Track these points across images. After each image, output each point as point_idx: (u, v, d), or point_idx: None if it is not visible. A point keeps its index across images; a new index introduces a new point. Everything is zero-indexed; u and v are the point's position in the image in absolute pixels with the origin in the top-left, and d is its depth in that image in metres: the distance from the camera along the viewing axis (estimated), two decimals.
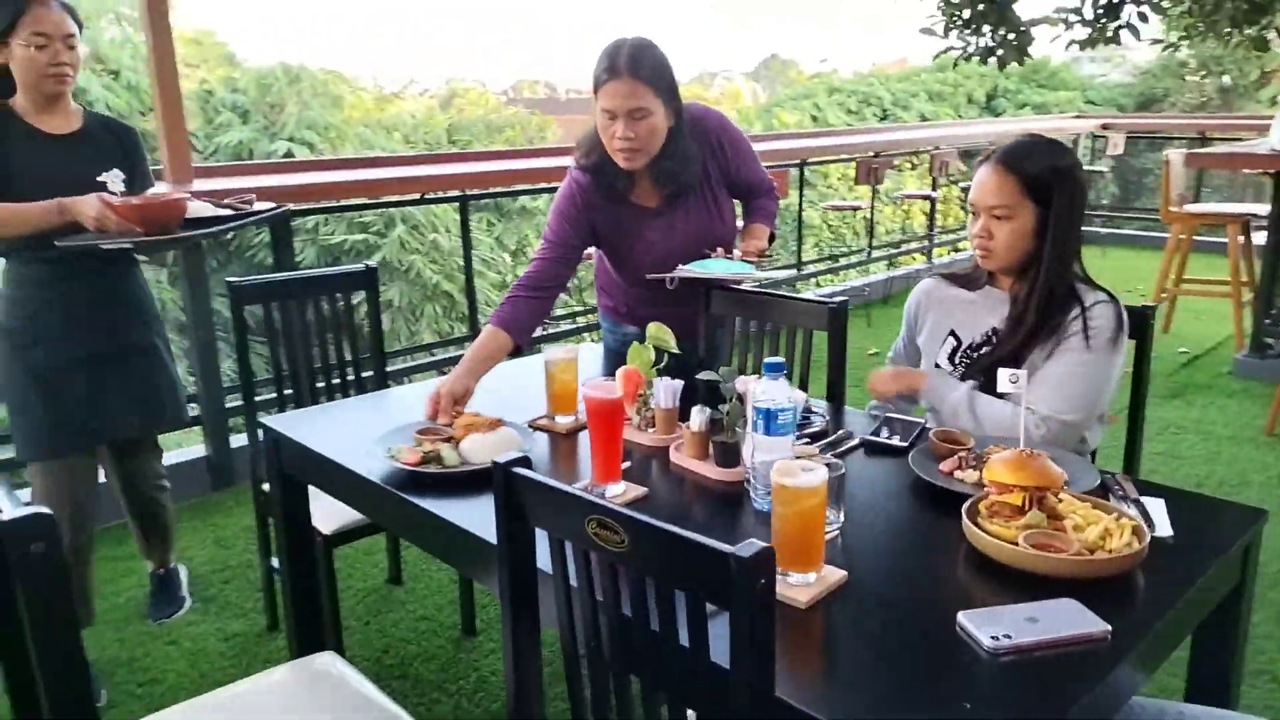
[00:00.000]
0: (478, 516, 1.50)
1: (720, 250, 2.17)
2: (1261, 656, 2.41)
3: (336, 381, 2.59)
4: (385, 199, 5.12)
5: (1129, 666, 1.13)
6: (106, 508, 2.65)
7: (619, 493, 1.59)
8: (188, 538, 3.16)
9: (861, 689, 1.10)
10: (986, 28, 4.91)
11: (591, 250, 2.37)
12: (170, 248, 3.17)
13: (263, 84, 11.94)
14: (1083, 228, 1.89)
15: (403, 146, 12.44)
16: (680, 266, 2.13)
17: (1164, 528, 1.41)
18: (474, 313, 4.71)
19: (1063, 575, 1.25)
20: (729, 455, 1.64)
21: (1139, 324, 1.97)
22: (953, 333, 1.98)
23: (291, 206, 3.47)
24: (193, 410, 3.54)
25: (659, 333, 1.86)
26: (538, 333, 2.31)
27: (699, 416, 1.69)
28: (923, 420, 1.89)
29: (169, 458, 3.42)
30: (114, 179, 2.18)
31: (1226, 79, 15.91)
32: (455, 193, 4.49)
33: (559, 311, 5.40)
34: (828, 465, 1.31)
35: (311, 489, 2.06)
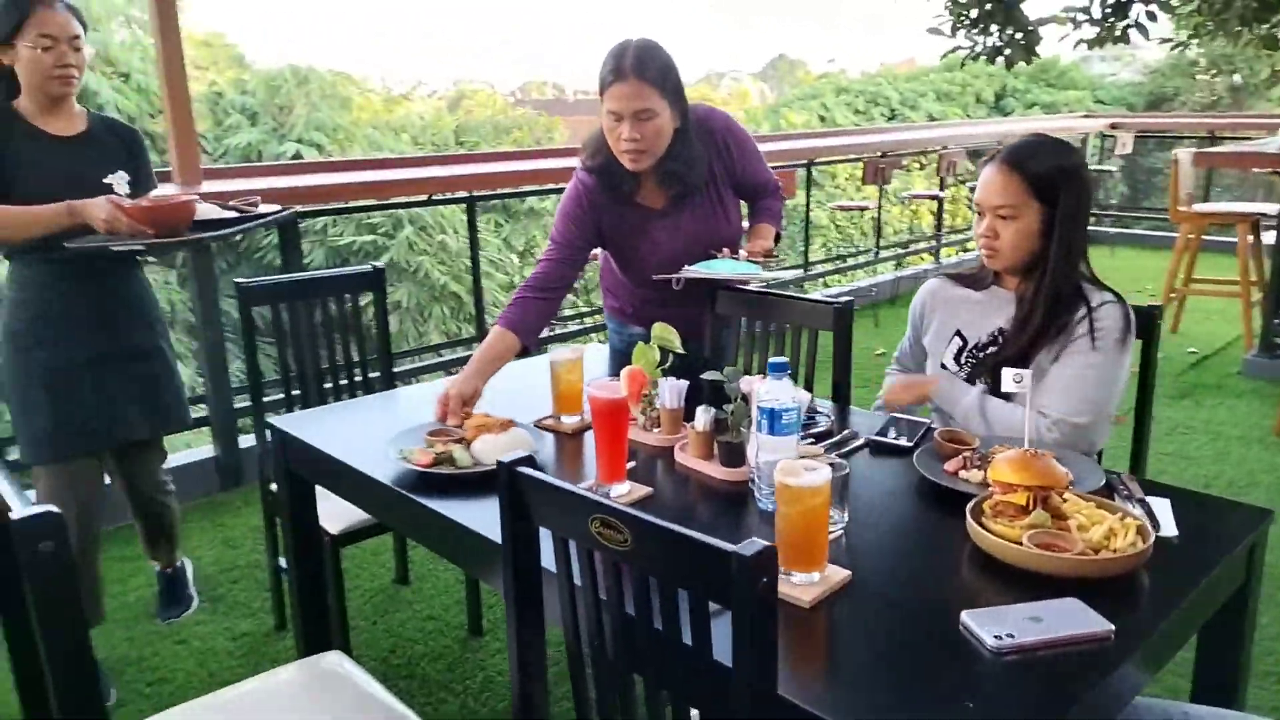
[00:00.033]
0: (483, 516, 1.50)
1: (726, 251, 2.18)
2: (1269, 658, 2.40)
3: (344, 382, 2.60)
4: (393, 200, 5.13)
5: (1132, 666, 1.13)
6: (114, 508, 2.66)
7: (624, 492, 1.59)
8: (196, 538, 3.17)
9: (864, 688, 1.10)
10: (994, 27, 4.91)
11: (597, 251, 2.37)
12: (180, 249, 3.18)
13: (272, 86, 11.97)
14: (1091, 227, 1.89)
15: (411, 148, 12.47)
16: (686, 267, 2.13)
17: (1169, 528, 1.41)
18: (481, 314, 4.72)
19: (1066, 575, 1.25)
20: (734, 455, 1.65)
21: (1145, 324, 1.96)
22: (959, 333, 1.98)
23: (299, 208, 3.50)
24: (201, 411, 3.56)
25: (664, 333, 1.87)
26: (545, 333, 2.31)
27: (704, 416, 1.69)
28: (928, 420, 1.89)
29: (178, 458, 3.45)
30: (119, 181, 2.19)
31: (1237, 78, 15.84)
32: (463, 194, 4.50)
33: (566, 312, 5.42)
34: (831, 465, 1.31)
35: (319, 489, 2.07)
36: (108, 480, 2.52)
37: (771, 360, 1.50)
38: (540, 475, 1.15)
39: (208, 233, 2.32)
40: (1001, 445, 1.59)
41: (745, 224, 2.37)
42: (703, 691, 1.07)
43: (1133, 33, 4.83)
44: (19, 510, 0.97)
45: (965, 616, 1.16)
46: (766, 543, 0.93)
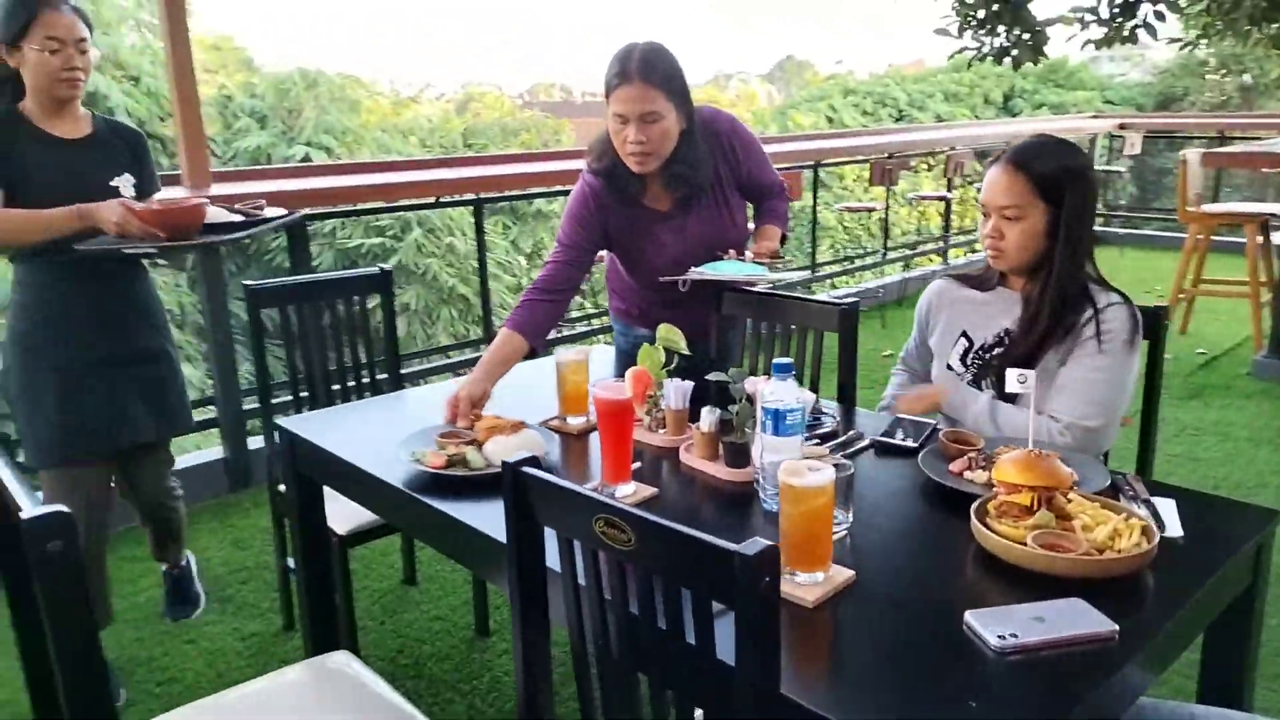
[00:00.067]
0: (489, 517, 1.51)
1: (732, 252, 2.18)
2: (1278, 659, 2.39)
3: (352, 384, 2.61)
4: (401, 203, 5.15)
5: (1136, 666, 1.13)
6: (123, 510, 2.67)
7: (629, 493, 1.60)
8: (206, 539, 3.19)
9: (868, 687, 1.10)
10: (1001, 28, 4.89)
11: (603, 253, 2.38)
12: (191, 252, 3.19)
13: (280, 89, 12.03)
14: (1100, 228, 1.89)
15: (419, 150, 12.52)
16: (693, 269, 2.14)
17: (1174, 528, 1.41)
18: (488, 315, 4.73)
19: (1071, 575, 1.25)
20: (738, 456, 1.65)
21: (1152, 324, 1.96)
22: (964, 334, 1.98)
23: (308, 210, 3.51)
24: (211, 412, 3.58)
25: (669, 334, 1.87)
26: (552, 335, 2.32)
27: (709, 417, 1.70)
28: (933, 421, 1.89)
29: (187, 459, 3.47)
30: (125, 183, 2.19)
31: (1247, 77, 15.78)
32: (470, 196, 4.52)
33: (573, 314, 5.42)
34: (836, 466, 1.32)
35: (327, 490, 2.08)
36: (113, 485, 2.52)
37: (776, 361, 1.51)
38: (544, 475, 1.16)
39: (218, 236, 2.33)
40: (1006, 446, 1.59)
41: (751, 226, 2.37)
42: (706, 691, 1.08)
43: (1141, 33, 4.82)
44: (29, 510, 0.98)
45: (969, 616, 1.17)
46: (768, 542, 0.93)
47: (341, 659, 1.70)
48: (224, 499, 3.51)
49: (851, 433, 1.85)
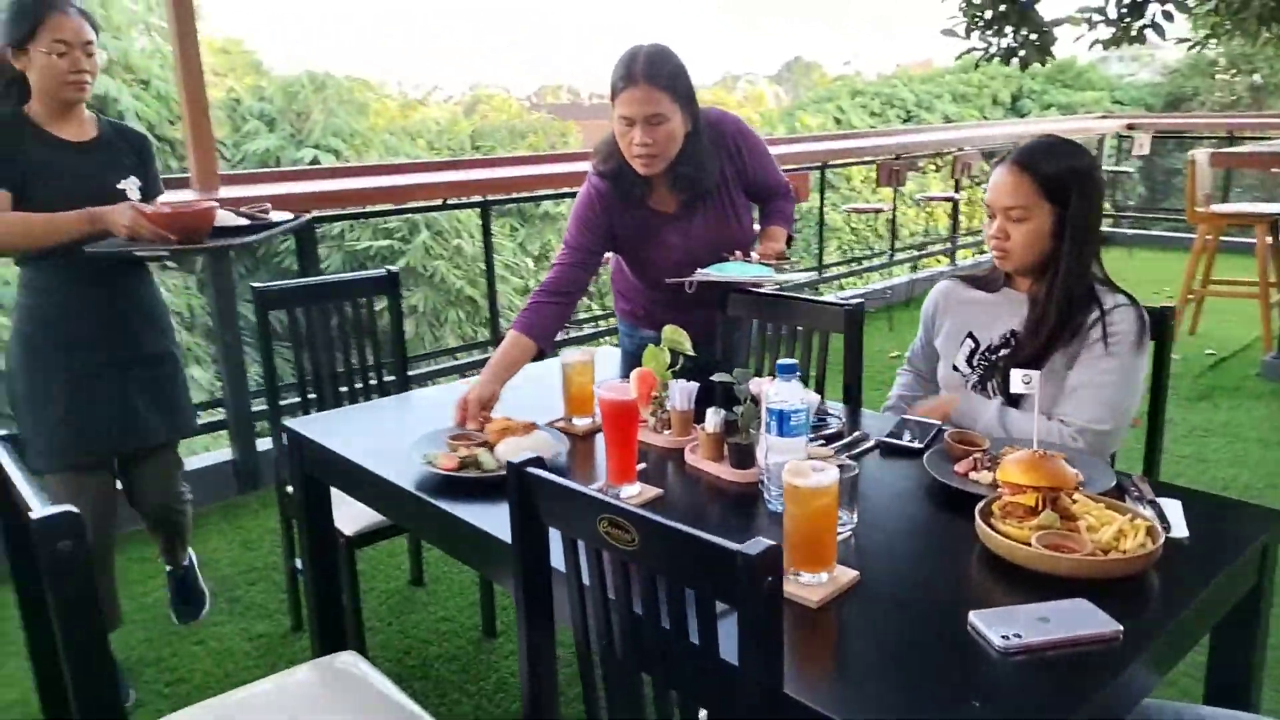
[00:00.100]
0: (500, 519, 1.51)
1: (739, 253, 2.18)
2: None
3: (359, 385, 2.62)
4: (409, 205, 5.16)
5: (1141, 667, 1.13)
6: (132, 513, 2.67)
7: (634, 494, 1.60)
8: (214, 540, 3.20)
9: (872, 688, 1.11)
10: (1009, 28, 4.88)
11: (609, 255, 2.38)
12: (201, 255, 3.20)
13: (289, 92, 12.09)
14: (1109, 228, 1.89)
15: (427, 152, 12.56)
16: (699, 270, 2.14)
17: (1180, 529, 1.41)
18: (496, 317, 4.74)
19: (1075, 576, 1.25)
20: (743, 456, 1.65)
21: (1159, 325, 1.95)
22: (971, 335, 1.98)
23: (315, 213, 3.52)
24: (219, 414, 3.60)
25: (674, 335, 1.88)
26: (560, 336, 2.33)
27: (714, 418, 1.70)
28: (939, 422, 1.89)
29: (196, 461, 3.49)
30: (131, 186, 2.20)
31: (1257, 77, 15.71)
32: (478, 198, 4.53)
33: (580, 315, 5.43)
34: (840, 466, 1.32)
35: (335, 491, 2.08)
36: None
37: (780, 362, 1.51)
38: (549, 476, 1.17)
39: (232, 239, 2.34)
40: (1012, 446, 1.59)
41: (757, 227, 2.37)
42: (710, 690, 1.08)
43: (1149, 33, 4.80)
44: (38, 510, 0.99)
45: (973, 617, 1.17)
46: (771, 542, 0.94)
47: (349, 659, 1.71)
48: (233, 500, 3.52)
49: (857, 433, 1.85)
